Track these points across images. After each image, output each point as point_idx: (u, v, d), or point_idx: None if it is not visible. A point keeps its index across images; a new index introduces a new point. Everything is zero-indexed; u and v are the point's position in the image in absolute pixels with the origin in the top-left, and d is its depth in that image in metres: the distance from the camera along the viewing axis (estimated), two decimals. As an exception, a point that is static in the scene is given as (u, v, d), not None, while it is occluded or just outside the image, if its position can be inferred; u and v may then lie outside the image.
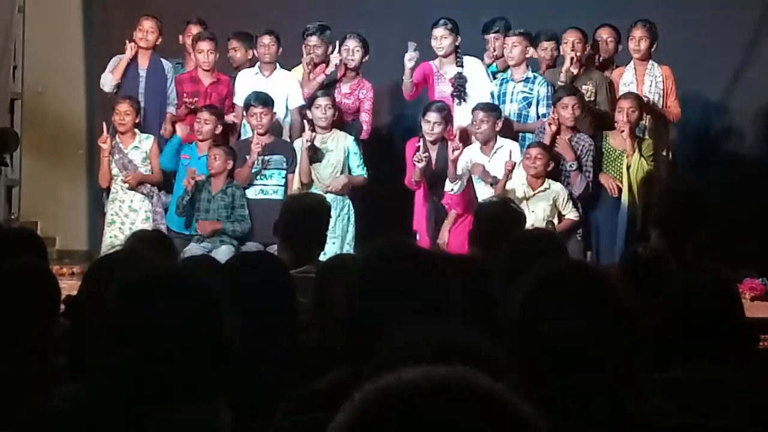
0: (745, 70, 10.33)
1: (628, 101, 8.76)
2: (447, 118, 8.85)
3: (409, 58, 8.97)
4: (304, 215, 5.69)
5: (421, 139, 8.85)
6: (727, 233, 8.81)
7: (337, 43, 9.40)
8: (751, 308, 7.44)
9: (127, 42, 9.44)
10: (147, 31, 9.46)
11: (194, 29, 9.76)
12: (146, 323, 2.41)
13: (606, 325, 2.53)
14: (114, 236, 9.04)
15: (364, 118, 9.35)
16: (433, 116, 8.82)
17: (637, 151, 8.65)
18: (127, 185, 9.12)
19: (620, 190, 8.69)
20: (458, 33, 9.19)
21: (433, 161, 8.83)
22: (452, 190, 8.66)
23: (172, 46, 9.93)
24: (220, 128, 9.16)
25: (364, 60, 9.39)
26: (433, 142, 8.85)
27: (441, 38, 9.15)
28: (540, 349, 2.46)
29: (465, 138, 8.86)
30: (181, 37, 9.87)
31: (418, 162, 8.71)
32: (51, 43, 11.28)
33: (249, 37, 9.73)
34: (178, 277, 2.57)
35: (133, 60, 9.44)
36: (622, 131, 8.64)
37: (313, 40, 9.47)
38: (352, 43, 9.32)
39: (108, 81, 9.48)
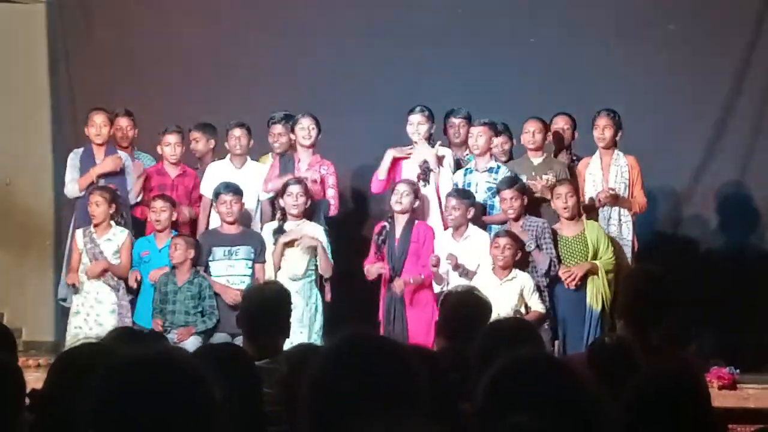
0: (709, 159, 10.45)
1: (564, 187, 8.85)
2: (416, 192, 8.90)
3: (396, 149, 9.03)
4: (265, 306, 5.66)
5: (387, 223, 8.92)
6: (694, 321, 8.84)
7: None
8: (718, 397, 7.47)
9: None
10: (100, 125, 9.48)
11: (122, 121, 9.75)
12: (136, 407, 2.38)
13: (568, 418, 2.53)
14: (78, 327, 8.96)
15: (331, 194, 9.37)
16: (401, 187, 8.90)
17: (594, 234, 8.75)
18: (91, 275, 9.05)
19: (584, 278, 8.73)
20: (433, 120, 9.28)
21: (396, 239, 8.86)
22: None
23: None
24: (175, 215, 9.18)
25: (318, 138, 9.43)
26: (401, 213, 8.88)
27: (417, 124, 9.22)
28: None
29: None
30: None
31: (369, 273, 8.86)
32: (18, 134, 11.29)
33: (210, 128, 9.84)
34: (169, 359, 2.53)
35: (90, 154, 9.44)
36: (566, 217, 8.73)
37: (278, 128, 9.56)
38: (306, 122, 9.37)
39: (74, 191, 9.48)
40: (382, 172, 9.22)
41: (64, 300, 9.40)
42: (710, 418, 3.47)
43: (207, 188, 9.48)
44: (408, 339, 8.37)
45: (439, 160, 9.20)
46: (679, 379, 3.49)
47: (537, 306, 8.59)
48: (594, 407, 2.65)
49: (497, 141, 9.43)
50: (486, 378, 2.69)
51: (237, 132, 9.53)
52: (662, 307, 5.27)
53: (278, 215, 9.10)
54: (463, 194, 8.88)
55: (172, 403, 2.38)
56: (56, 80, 11.46)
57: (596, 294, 8.71)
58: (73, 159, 9.54)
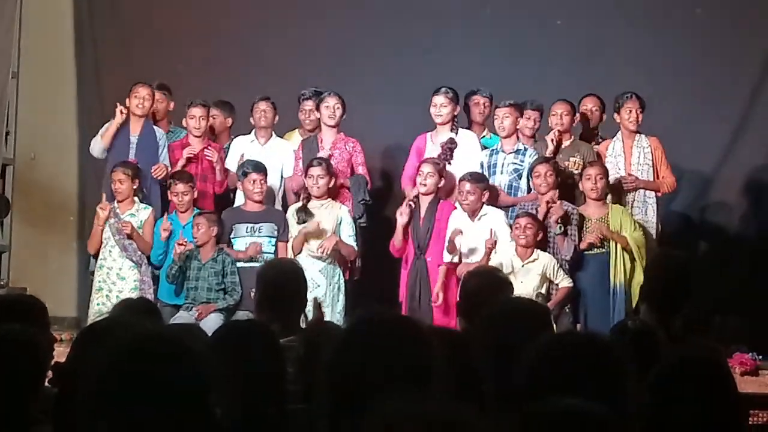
0: (735, 144, 10.40)
1: (595, 168, 8.83)
2: (440, 173, 8.88)
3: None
4: (280, 284, 5.65)
5: (412, 202, 8.91)
6: (717, 307, 8.80)
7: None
8: (741, 383, 7.44)
9: (118, 105, 9.45)
10: (143, 98, 9.46)
11: (156, 95, 9.76)
12: (138, 388, 2.39)
13: (609, 403, 2.52)
14: (101, 303, 8.98)
15: (363, 171, 9.36)
16: (425, 168, 8.88)
17: (617, 218, 8.71)
18: (117, 251, 9.06)
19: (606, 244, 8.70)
20: (457, 102, 9.25)
21: (421, 218, 8.84)
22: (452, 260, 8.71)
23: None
24: (195, 194, 9.19)
25: (342, 118, 9.42)
26: (426, 194, 8.86)
27: (441, 106, 9.19)
28: (531, 426, 2.43)
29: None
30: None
31: (399, 215, 8.79)
32: (44, 110, 11.32)
33: (228, 106, 9.89)
34: (169, 342, 2.54)
35: (125, 126, 9.45)
36: (593, 198, 8.70)
37: (309, 104, 9.60)
38: (332, 101, 9.37)
39: (97, 146, 9.49)
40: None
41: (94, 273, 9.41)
42: (734, 404, 3.45)
43: (232, 162, 9.52)
44: (433, 321, 8.36)
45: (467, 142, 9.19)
46: (703, 365, 3.47)
47: (564, 281, 8.58)
48: (631, 395, 2.65)
49: (531, 115, 9.40)
50: (529, 358, 2.68)
51: (262, 105, 9.59)
52: (685, 292, 5.25)
53: (303, 195, 9.09)
54: (477, 178, 8.84)
55: (164, 383, 2.40)
56: (82, 56, 11.48)
57: (618, 274, 8.68)
58: (108, 125, 9.49)
